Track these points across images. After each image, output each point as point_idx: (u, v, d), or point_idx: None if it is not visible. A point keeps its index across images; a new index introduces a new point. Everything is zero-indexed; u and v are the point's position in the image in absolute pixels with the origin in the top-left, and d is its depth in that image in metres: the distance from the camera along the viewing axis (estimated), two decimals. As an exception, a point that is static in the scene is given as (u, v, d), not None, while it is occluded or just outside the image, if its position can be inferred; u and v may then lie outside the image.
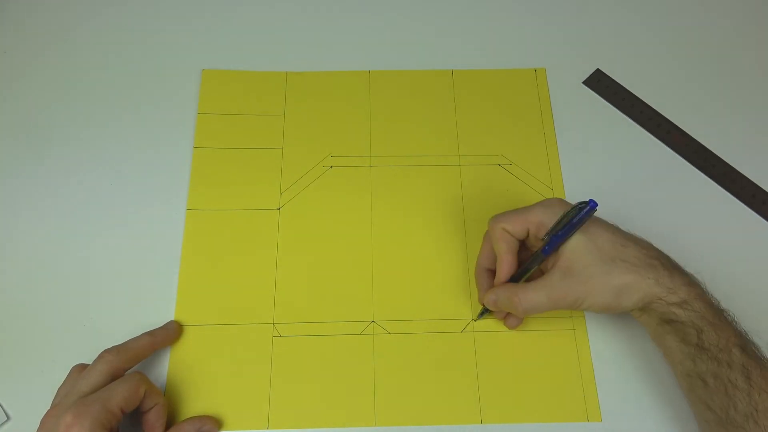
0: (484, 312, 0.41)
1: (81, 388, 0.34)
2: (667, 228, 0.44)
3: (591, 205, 0.35)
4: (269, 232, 0.44)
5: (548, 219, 0.36)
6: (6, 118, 0.47)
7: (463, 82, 0.50)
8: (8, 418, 0.38)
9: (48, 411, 0.34)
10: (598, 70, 0.51)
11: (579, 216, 0.35)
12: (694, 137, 0.48)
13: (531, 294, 0.36)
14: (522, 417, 0.39)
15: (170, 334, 0.40)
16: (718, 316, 0.35)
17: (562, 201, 0.38)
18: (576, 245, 0.36)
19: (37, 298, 0.42)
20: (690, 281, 0.36)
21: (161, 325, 0.40)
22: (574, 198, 0.45)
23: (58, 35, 0.51)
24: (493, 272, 0.40)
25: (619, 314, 0.38)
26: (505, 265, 0.38)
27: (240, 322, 0.41)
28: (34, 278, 0.42)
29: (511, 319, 0.41)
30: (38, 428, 0.34)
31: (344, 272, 0.43)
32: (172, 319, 0.41)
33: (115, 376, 0.35)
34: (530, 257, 0.38)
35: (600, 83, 0.50)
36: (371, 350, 0.41)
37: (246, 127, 0.47)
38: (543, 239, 0.37)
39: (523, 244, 0.39)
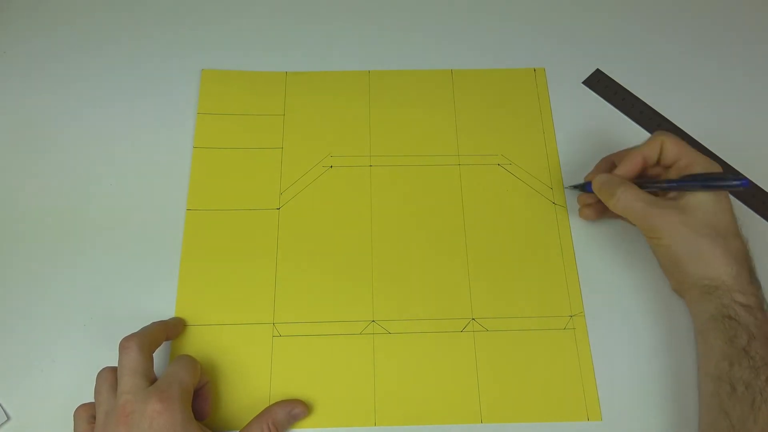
0: (579, 187, 0.43)
1: (136, 381, 0.33)
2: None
3: (743, 184, 0.35)
4: (269, 232, 0.44)
5: (700, 167, 0.37)
6: (6, 118, 0.47)
7: (463, 82, 0.50)
8: (8, 418, 0.38)
9: (114, 415, 0.32)
10: (598, 70, 0.51)
11: (724, 184, 0.36)
12: (694, 137, 0.48)
13: (637, 194, 0.37)
14: (522, 416, 0.39)
15: (178, 325, 0.40)
16: None
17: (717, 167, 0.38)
18: (703, 199, 0.36)
19: (37, 298, 0.42)
20: (762, 296, 0.36)
21: (164, 320, 0.40)
22: (574, 198, 0.45)
23: (59, 35, 0.51)
24: (614, 167, 0.41)
25: (676, 287, 0.39)
26: (629, 165, 0.39)
27: (240, 322, 0.41)
28: (34, 278, 0.42)
29: (592, 210, 0.42)
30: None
31: (344, 272, 0.43)
32: (175, 316, 0.41)
33: (149, 358, 0.35)
34: (657, 180, 0.39)
35: (600, 83, 0.50)
36: (371, 350, 0.41)
37: (246, 127, 0.47)
38: (681, 176, 0.37)
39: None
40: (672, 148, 0.38)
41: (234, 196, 0.45)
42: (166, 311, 0.41)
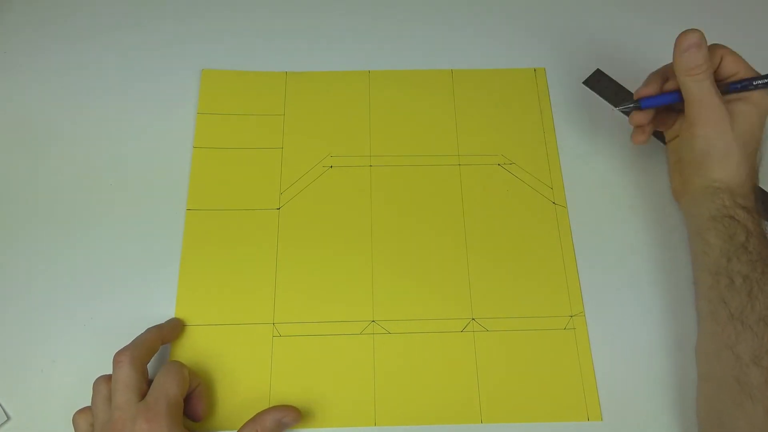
0: (631, 108, 0.43)
1: (128, 397, 0.33)
2: (667, 228, 0.45)
3: None
4: (269, 232, 0.44)
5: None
6: (6, 118, 0.47)
7: (463, 81, 0.50)
8: (8, 418, 0.38)
9: (108, 430, 0.33)
10: (598, 70, 0.51)
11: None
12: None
13: (712, 79, 0.38)
14: (522, 416, 0.39)
15: (176, 328, 0.40)
16: None
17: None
18: (750, 110, 0.38)
19: (37, 298, 0.42)
20: (762, 205, 0.38)
21: (161, 323, 0.40)
22: (574, 198, 0.45)
23: (58, 35, 0.51)
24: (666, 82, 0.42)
25: (678, 188, 0.42)
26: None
27: (240, 322, 0.41)
28: (34, 278, 0.42)
29: (644, 132, 0.43)
30: None
31: (344, 272, 0.43)
32: (173, 317, 0.41)
33: (142, 372, 0.35)
34: (729, 83, 0.40)
35: (600, 83, 0.50)
36: (371, 350, 0.41)
37: (246, 127, 0.47)
38: (748, 80, 0.39)
39: None
40: (730, 61, 0.40)
41: (234, 196, 0.45)
42: (166, 311, 0.41)
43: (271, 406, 0.39)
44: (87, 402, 0.36)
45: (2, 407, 0.39)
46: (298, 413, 0.38)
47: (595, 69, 0.51)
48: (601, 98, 0.49)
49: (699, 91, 0.38)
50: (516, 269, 0.43)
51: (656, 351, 0.41)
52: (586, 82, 0.50)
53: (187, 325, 0.41)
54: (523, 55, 0.51)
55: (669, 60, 0.52)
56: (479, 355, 0.40)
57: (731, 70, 0.40)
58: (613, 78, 0.50)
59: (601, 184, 0.46)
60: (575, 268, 0.43)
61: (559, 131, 0.48)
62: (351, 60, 0.50)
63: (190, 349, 0.40)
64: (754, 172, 0.39)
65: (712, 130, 0.38)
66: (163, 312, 0.41)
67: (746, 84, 0.39)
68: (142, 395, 0.34)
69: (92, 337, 0.40)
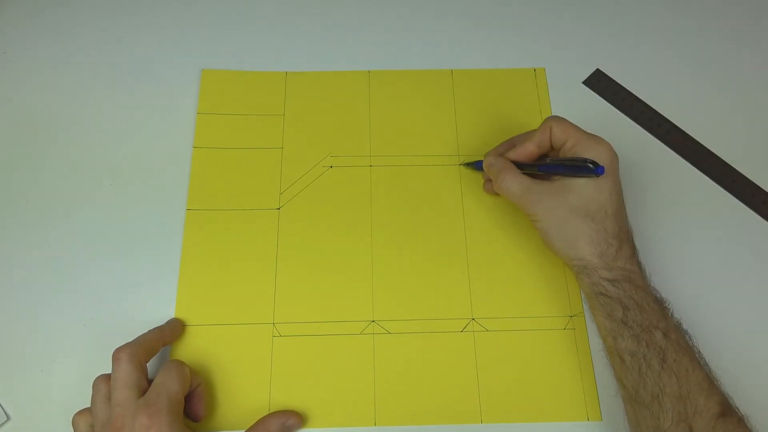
0: (472, 165, 0.45)
1: (127, 394, 0.33)
2: (667, 228, 0.45)
3: (597, 171, 0.36)
4: (269, 232, 0.44)
5: (583, 148, 0.38)
6: (6, 118, 0.47)
7: (463, 82, 0.50)
8: (8, 418, 0.38)
9: (108, 427, 0.33)
10: (598, 70, 0.51)
11: (580, 170, 0.37)
12: (694, 137, 0.48)
13: (516, 179, 0.39)
14: (522, 416, 0.39)
15: (176, 329, 0.40)
16: (648, 300, 0.36)
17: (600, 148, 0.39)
18: (580, 183, 0.37)
19: (37, 298, 0.42)
20: (632, 265, 0.37)
21: (161, 324, 0.40)
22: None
23: (58, 35, 0.51)
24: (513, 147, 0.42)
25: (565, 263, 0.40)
26: (522, 151, 0.41)
27: (240, 322, 0.41)
28: (34, 278, 0.42)
29: (488, 185, 0.44)
30: None
31: (344, 272, 0.43)
32: (173, 317, 0.41)
33: (141, 369, 0.35)
34: (534, 162, 0.41)
35: (600, 83, 0.50)
36: (371, 350, 0.41)
37: (246, 127, 0.47)
38: (553, 159, 0.39)
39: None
40: (558, 131, 0.39)
41: (234, 196, 0.45)
42: (166, 311, 0.41)
43: (271, 406, 0.39)
44: (87, 402, 0.36)
45: (2, 407, 0.39)
46: (300, 417, 0.38)
47: (595, 69, 0.51)
48: (601, 98, 0.49)
49: (511, 193, 0.39)
50: (516, 269, 0.43)
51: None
52: (586, 82, 0.50)
53: (187, 325, 0.41)
54: (523, 55, 0.51)
55: (670, 60, 0.52)
56: (479, 355, 0.40)
57: (560, 138, 0.39)
58: (613, 78, 0.50)
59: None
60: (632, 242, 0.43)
61: (559, 131, 0.48)
62: (351, 60, 0.50)
63: (190, 349, 0.40)
64: (614, 239, 0.37)
65: (541, 220, 0.38)
66: (163, 312, 0.41)
67: (548, 169, 0.39)
68: (142, 393, 0.34)
69: (92, 337, 0.40)
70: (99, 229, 0.44)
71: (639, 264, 0.38)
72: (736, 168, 0.47)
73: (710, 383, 0.34)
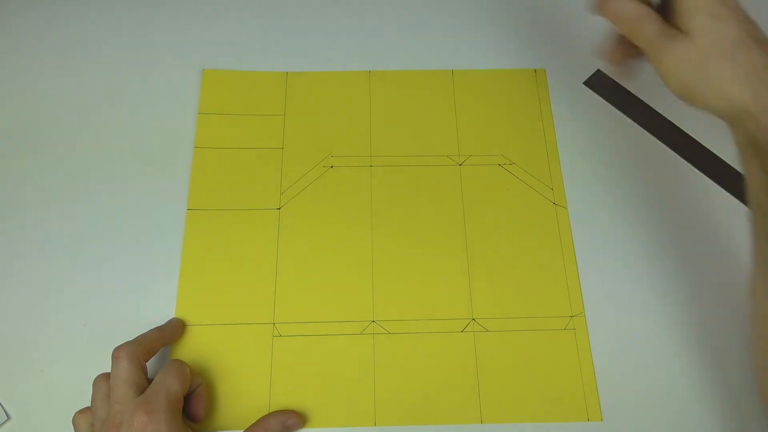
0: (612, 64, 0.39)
1: (126, 392, 0.33)
2: (667, 228, 0.45)
3: None
4: (269, 232, 0.44)
5: None
6: (6, 118, 0.47)
7: (463, 82, 0.50)
8: (8, 418, 0.38)
9: (107, 425, 0.33)
10: (598, 70, 0.51)
11: None
12: (695, 137, 0.48)
13: (654, 17, 0.34)
14: (522, 416, 0.39)
15: (176, 329, 0.40)
16: None
17: None
18: (704, 23, 0.33)
19: (37, 298, 0.42)
20: None
21: (162, 324, 0.40)
22: (574, 198, 0.45)
23: (58, 35, 0.51)
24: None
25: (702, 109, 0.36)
26: None
27: (240, 322, 0.41)
28: (34, 278, 0.42)
29: (617, 52, 0.39)
30: None
31: (344, 272, 0.43)
32: (174, 317, 0.41)
33: (141, 367, 0.35)
34: None
35: (600, 83, 0.50)
36: (371, 350, 0.41)
37: (246, 127, 0.47)
38: None
39: None
40: None
41: (234, 196, 0.45)
42: (166, 311, 0.41)
43: (271, 406, 0.39)
44: (87, 402, 0.36)
45: (2, 407, 0.39)
46: (300, 417, 0.38)
47: (595, 69, 0.51)
48: (601, 98, 0.50)
49: (642, 24, 0.34)
50: (516, 269, 0.43)
51: (656, 351, 0.41)
52: (587, 83, 0.50)
53: (187, 325, 0.41)
54: (523, 55, 0.51)
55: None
56: (479, 355, 0.40)
57: None
58: (613, 78, 0.50)
59: (601, 184, 0.46)
60: (575, 268, 0.43)
61: (559, 131, 0.48)
62: (351, 60, 0.50)
63: (190, 349, 0.40)
64: (765, 73, 0.32)
65: (672, 64, 0.34)
66: (163, 312, 0.41)
67: None
68: (141, 391, 0.34)
69: (92, 337, 0.40)
70: (99, 228, 0.44)
71: None
72: (736, 168, 0.47)
73: None
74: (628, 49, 0.39)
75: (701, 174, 0.47)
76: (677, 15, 0.34)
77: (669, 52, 0.34)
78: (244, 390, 0.39)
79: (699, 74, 0.33)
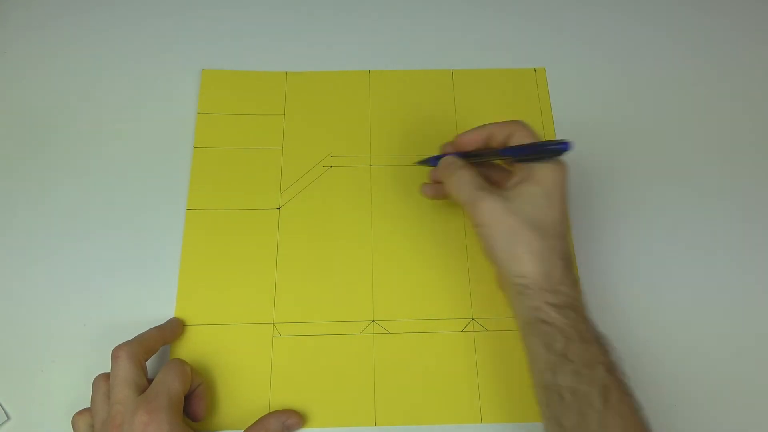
0: (430, 162, 0.42)
1: (127, 392, 0.33)
2: (667, 228, 0.45)
3: (563, 147, 0.34)
4: (269, 232, 0.44)
5: (523, 138, 0.36)
6: (6, 118, 0.47)
7: (463, 82, 0.50)
8: (8, 418, 0.38)
9: (107, 425, 0.33)
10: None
11: (546, 147, 0.35)
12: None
13: (471, 177, 0.36)
14: (522, 416, 0.39)
15: (176, 329, 0.40)
16: (591, 332, 0.33)
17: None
18: (533, 191, 0.35)
19: (37, 298, 0.42)
20: (576, 291, 0.34)
21: (162, 323, 0.40)
22: (574, 198, 0.45)
23: (58, 35, 0.51)
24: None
25: (498, 282, 0.38)
26: (476, 132, 0.38)
27: (240, 322, 0.41)
28: (34, 278, 0.42)
29: (433, 189, 0.42)
30: None
31: (344, 272, 0.43)
32: (173, 317, 0.41)
33: (140, 367, 0.35)
34: (491, 150, 0.38)
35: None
36: (371, 350, 0.41)
37: (246, 127, 0.47)
38: (511, 146, 0.37)
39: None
40: (519, 138, 0.36)
41: (234, 196, 0.45)
42: (166, 311, 0.41)
43: (271, 406, 0.39)
44: (87, 402, 0.36)
45: (2, 407, 0.39)
46: (300, 417, 0.38)
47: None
48: (601, 98, 0.49)
49: (462, 191, 0.36)
50: (516, 269, 0.43)
51: (655, 351, 0.41)
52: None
53: (187, 325, 0.41)
54: (523, 55, 0.51)
55: (670, 60, 0.52)
56: (479, 355, 0.41)
57: (501, 138, 0.37)
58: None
59: (601, 184, 0.46)
60: (575, 268, 0.43)
61: (559, 131, 0.48)
62: (351, 60, 0.50)
63: (190, 349, 0.40)
64: (560, 260, 0.34)
65: (488, 226, 0.35)
66: (163, 312, 0.41)
67: (519, 151, 0.36)
68: (141, 391, 0.34)
69: (92, 337, 0.40)
70: (99, 228, 0.44)
71: (581, 294, 0.35)
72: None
73: (649, 428, 0.31)
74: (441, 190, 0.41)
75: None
76: (514, 183, 0.36)
77: (490, 208, 0.35)
78: (244, 390, 0.39)
79: (509, 237, 0.34)
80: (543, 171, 0.35)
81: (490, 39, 0.52)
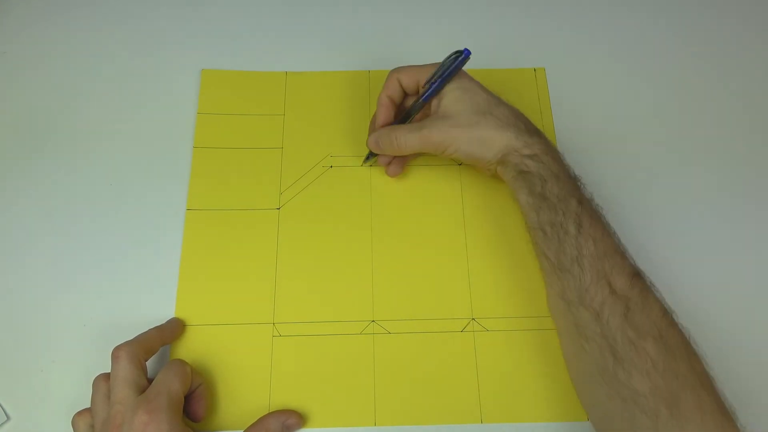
0: (369, 156, 0.45)
1: (127, 392, 0.33)
2: (667, 228, 0.45)
3: (465, 54, 0.39)
4: (269, 232, 0.44)
5: (431, 72, 0.41)
6: (6, 118, 0.47)
7: (463, 82, 0.49)
8: (8, 418, 0.38)
9: (108, 425, 0.33)
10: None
11: (454, 65, 0.40)
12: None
13: (405, 132, 0.41)
14: (522, 416, 0.39)
15: (176, 329, 0.40)
16: (564, 171, 0.38)
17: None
18: (454, 95, 0.40)
19: (37, 298, 0.42)
20: (545, 142, 0.40)
21: (162, 323, 0.40)
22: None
23: (58, 35, 0.51)
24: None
25: (485, 167, 0.41)
26: (383, 111, 0.42)
27: (240, 322, 0.41)
28: (34, 278, 0.42)
29: (393, 166, 0.44)
30: None
31: (344, 272, 0.43)
32: (173, 317, 0.41)
33: (140, 367, 0.35)
34: (412, 104, 0.42)
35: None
36: (371, 350, 0.41)
37: (246, 127, 0.47)
38: (424, 87, 0.41)
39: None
40: (406, 78, 0.42)
41: (234, 196, 0.45)
42: (165, 311, 0.41)
43: (271, 406, 0.39)
44: (87, 402, 0.36)
45: (2, 407, 0.39)
46: (300, 416, 0.38)
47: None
48: (601, 98, 0.49)
49: (414, 143, 0.40)
50: (516, 269, 0.43)
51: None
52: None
53: (187, 325, 0.41)
54: (523, 55, 0.51)
55: (670, 61, 0.52)
56: (479, 355, 0.40)
57: (412, 82, 0.42)
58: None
59: (601, 184, 0.46)
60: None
61: (559, 131, 0.48)
62: (351, 60, 0.50)
63: (190, 349, 0.40)
64: (517, 120, 0.40)
65: (451, 145, 0.40)
66: (163, 312, 0.41)
67: (435, 85, 0.40)
68: (141, 391, 0.34)
69: (92, 337, 0.40)
70: (99, 228, 0.44)
71: (550, 142, 0.40)
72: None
73: (622, 249, 0.36)
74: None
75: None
76: (436, 109, 0.41)
77: (439, 132, 0.40)
78: (244, 390, 0.39)
79: (472, 138, 0.40)
80: (449, 85, 0.40)
81: (489, 39, 0.52)
